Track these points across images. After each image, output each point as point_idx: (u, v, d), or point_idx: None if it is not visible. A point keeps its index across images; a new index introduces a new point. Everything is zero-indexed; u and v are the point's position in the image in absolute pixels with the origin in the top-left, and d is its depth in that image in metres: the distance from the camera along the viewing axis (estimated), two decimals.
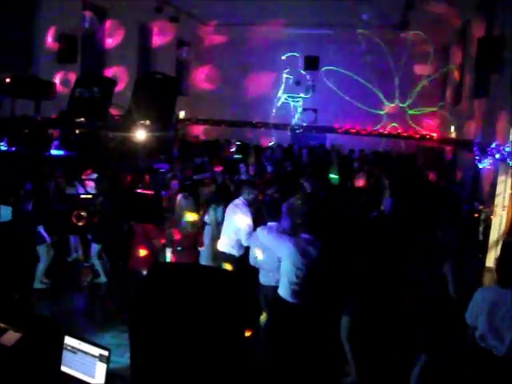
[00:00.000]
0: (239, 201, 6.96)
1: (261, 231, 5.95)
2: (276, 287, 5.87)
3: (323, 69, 19.90)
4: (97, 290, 8.38)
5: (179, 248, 6.91)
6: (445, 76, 18.02)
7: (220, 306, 2.40)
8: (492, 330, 4.29)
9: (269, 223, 6.05)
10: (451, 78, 16.67)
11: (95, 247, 8.40)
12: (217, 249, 7.08)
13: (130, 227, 7.98)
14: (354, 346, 5.77)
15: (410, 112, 19.10)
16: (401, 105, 19.21)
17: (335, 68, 19.52)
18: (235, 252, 6.81)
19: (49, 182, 8.40)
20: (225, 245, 6.93)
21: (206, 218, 7.45)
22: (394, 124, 19.39)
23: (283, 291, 5.62)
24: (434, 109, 18.41)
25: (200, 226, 7.25)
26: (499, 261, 4.69)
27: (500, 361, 4.26)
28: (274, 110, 20.50)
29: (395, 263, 6.11)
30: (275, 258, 5.89)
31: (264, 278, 6.04)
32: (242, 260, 6.68)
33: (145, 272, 7.27)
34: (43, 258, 8.06)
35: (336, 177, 11.90)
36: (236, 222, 6.82)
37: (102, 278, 8.50)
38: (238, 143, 16.94)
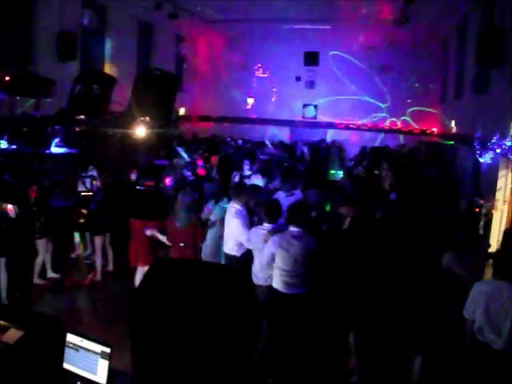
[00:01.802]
0: (233, 208, 6.98)
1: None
2: (265, 287, 5.97)
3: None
4: (98, 287, 8.41)
5: (182, 244, 6.99)
6: (445, 70, 18.00)
7: (223, 302, 2.40)
8: (489, 323, 4.31)
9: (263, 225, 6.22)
10: (452, 73, 16.62)
11: (99, 240, 8.44)
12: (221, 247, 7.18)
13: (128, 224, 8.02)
14: (359, 342, 5.81)
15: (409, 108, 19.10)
16: (404, 101, 19.22)
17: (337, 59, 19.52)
18: (235, 252, 6.91)
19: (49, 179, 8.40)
20: (227, 247, 7.02)
21: (211, 216, 7.48)
22: (393, 119, 19.37)
23: (276, 283, 5.78)
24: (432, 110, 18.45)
25: (199, 222, 7.29)
26: (496, 253, 4.71)
27: (498, 354, 4.27)
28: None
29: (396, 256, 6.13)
30: (262, 259, 6.01)
31: (254, 278, 6.13)
32: (244, 260, 6.75)
33: (145, 268, 7.32)
34: (42, 253, 8.11)
35: (337, 172, 11.92)
36: (234, 227, 6.88)
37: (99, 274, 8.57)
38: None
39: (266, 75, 20.04)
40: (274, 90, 20.29)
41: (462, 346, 4.69)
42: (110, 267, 8.81)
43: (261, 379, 5.51)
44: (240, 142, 17.45)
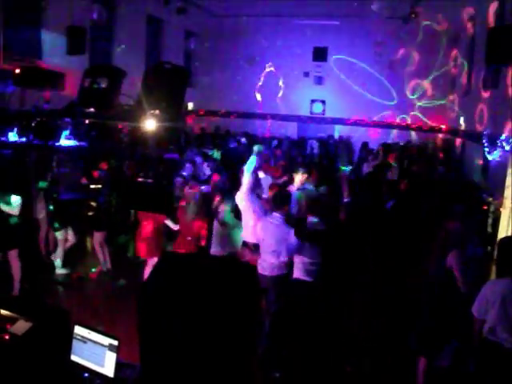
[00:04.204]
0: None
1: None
2: (271, 277, 5.94)
3: (333, 57, 19.79)
4: (104, 280, 8.44)
5: (189, 238, 7.03)
6: (454, 67, 17.91)
7: (228, 294, 2.41)
8: (503, 322, 4.26)
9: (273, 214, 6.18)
10: (461, 69, 16.54)
11: (98, 236, 8.43)
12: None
13: (136, 217, 8.03)
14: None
15: (419, 104, 19.02)
16: (410, 96, 19.14)
17: (344, 57, 19.45)
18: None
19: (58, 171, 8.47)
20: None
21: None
22: (403, 116, 19.33)
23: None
24: (443, 101, 18.37)
25: (206, 220, 7.30)
26: (509, 253, 4.65)
27: (510, 353, 4.23)
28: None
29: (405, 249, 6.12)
30: (268, 247, 5.97)
31: (259, 267, 6.11)
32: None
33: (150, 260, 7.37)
34: (60, 244, 8.19)
35: (345, 168, 11.94)
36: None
37: (104, 267, 8.58)
38: None
39: (272, 69, 19.93)
40: (281, 84, 20.17)
41: (470, 346, 4.65)
42: (108, 264, 8.76)
43: (268, 373, 5.52)
44: (243, 139, 17.23)
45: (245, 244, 7.00)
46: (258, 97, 19.85)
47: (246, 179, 7.08)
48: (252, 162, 7.13)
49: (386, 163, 11.59)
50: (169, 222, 7.43)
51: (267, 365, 5.58)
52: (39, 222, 8.33)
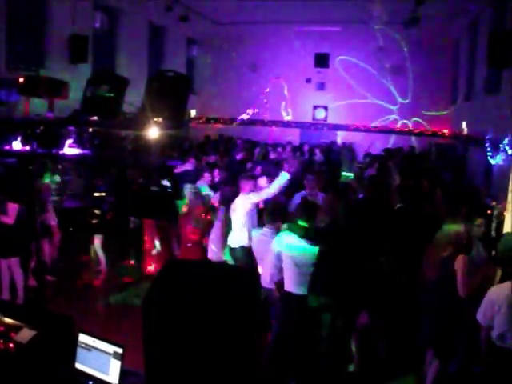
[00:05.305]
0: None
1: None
2: (270, 290, 5.85)
3: (336, 62, 19.86)
4: (107, 286, 8.44)
5: (189, 244, 7.04)
6: (456, 71, 17.92)
7: (232, 302, 2.41)
8: (511, 328, 4.21)
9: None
10: (463, 74, 16.55)
11: (99, 239, 8.42)
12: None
13: (141, 226, 8.03)
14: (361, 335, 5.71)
15: (423, 112, 19.04)
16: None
17: (346, 63, 19.48)
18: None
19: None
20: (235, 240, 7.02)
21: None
22: (404, 121, 19.34)
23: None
24: (444, 112, 18.39)
25: (207, 223, 7.31)
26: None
27: None
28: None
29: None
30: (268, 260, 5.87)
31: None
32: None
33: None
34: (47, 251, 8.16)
35: (349, 174, 11.92)
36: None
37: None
38: None
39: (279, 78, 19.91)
40: (286, 93, 20.15)
41: (480, 354, 4.58)
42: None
43: (283, 381, 5.46)
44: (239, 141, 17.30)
45: (231, 249, 6.96)
46: (256, 107, 19.78)
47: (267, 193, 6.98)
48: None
49: (386, 167, 11.56)
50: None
51: (282, 373, 5.51)
52: (52, 229, 8.25)
